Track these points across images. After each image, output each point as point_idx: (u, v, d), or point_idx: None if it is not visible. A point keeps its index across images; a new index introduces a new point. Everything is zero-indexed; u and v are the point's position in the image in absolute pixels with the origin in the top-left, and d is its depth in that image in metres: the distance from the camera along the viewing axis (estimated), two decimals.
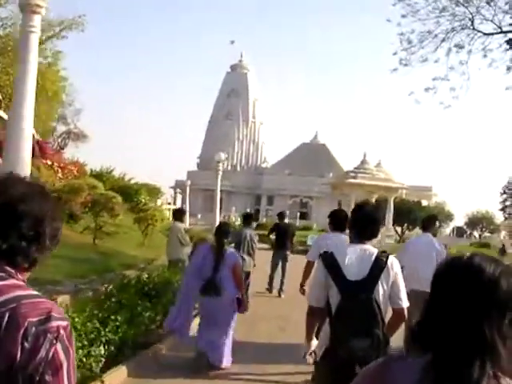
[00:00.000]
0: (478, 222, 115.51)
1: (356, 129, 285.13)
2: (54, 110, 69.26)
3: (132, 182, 46.82)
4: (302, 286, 11.43)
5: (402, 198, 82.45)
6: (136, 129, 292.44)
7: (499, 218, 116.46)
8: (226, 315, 9.94)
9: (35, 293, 2.32)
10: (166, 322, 10.55)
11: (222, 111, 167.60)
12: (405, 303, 5.70)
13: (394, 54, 22.78)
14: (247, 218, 18.19)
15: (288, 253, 20.94)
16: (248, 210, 67.52)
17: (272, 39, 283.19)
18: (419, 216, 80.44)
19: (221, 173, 24.50)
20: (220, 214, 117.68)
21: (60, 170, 31.09)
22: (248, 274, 16.26)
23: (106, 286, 11.60)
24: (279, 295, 20.42)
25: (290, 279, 21.78)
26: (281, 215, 22.40)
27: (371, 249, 5.74)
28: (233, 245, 14.54)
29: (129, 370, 9.39)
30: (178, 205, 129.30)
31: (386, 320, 5.62)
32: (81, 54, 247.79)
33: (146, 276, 12.66)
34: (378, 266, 5.56)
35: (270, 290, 20.89)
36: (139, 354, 10.07)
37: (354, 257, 5.62)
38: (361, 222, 6.00)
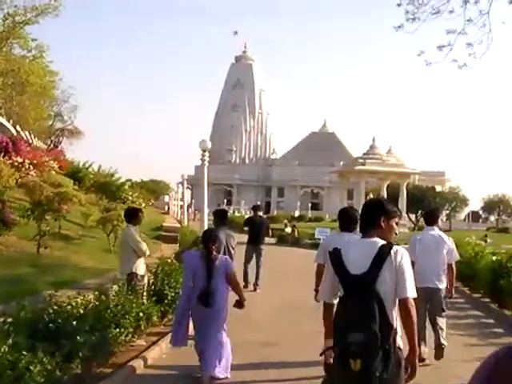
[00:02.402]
0: (494, 206, 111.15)
1: (365, 115, 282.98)
2: (44, 106, 67.25)
3: (123, 179, 43.32)
4: (316, 290, 9.95)
5: (414, 184, 79.63)
6: (139, 125, 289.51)
7: None
8: (216, 325, 9.52)
9: None
10: (172, 340, 10.05)
11: (228, 103, 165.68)
12: (410, 293, 5.38)
13: (399, 5, 18.93)
14: (220, 216, 14.00)
15: (262, 247, 20.85)
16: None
17: (274, 28, 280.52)
18: (434, 202, 78.13)
19: (206, 164, 21.62)
20: (229, 207, 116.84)
21: (32, 167, 28.53)
22: None
23: None
24: (255, 289, 19.81)
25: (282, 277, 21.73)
26: (255, 208, 22.46)
27: (377, 241, 5.51)
28: None
29: None
30: (188, 201, 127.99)
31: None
32: (74, 48, 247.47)
33: (53, 308, 8.88)
34: (380, 258, 5.36)
35: (245, 285, 19.64)
36: None
37: (359, 251, 5.50)
38: (361, 213, 5.95)
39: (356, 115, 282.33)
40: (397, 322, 5.36)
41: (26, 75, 49.12)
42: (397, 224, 5.83)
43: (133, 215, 13.03)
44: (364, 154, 55.45)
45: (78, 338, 8.22)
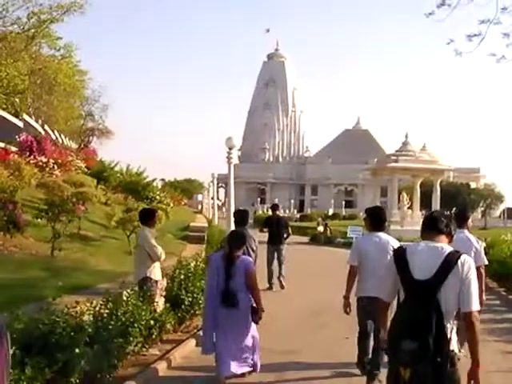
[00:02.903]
0: None
1: (399, 111, 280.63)
2: (75, 106, 67.09)
3: (151, 178, 42.66)
4: (346, 297, 9.80)
5: (448, 181, 78.36)
6: (174, 125, 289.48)
7: None
8: (242, 327, 9.35)
9: None
10: (204, 347, 9.63)
11: (261, 101, 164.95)
12: (475, 306, 5.18)
13: None
14: (240, 217, 13.10)
15: (282, 247, 20.49)
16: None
17: (306, 26, 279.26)
18: (468, 199, 76.80)
19: (233, 161, 21.22)
20: (263, 206, 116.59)
21: (57, 167, 28.16)
22: None
23: None
24: (281, 286, 19.72)
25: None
26: (273, 208, 22.02)
27: (444, 247, 5.39)
28: None
29: None
30: (222, 200, 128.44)
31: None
32: (103, 46, 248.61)
33: (50, 317, 7.87)
34: (447, 266, 5.19)
35: (270, 286, 19.72)
36: None
37: (425, 255, 5.34)
38: (425, 219, 5.77)
39: (390, 112, 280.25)
40: (453, 333, 5.21)
41: (54, 74, 48.85)
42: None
43: (148, 216, 12.22)
44: (397, 150, 54.06)
45: (77, 350, 7.56)
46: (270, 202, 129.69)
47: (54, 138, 45.66)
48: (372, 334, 9.53)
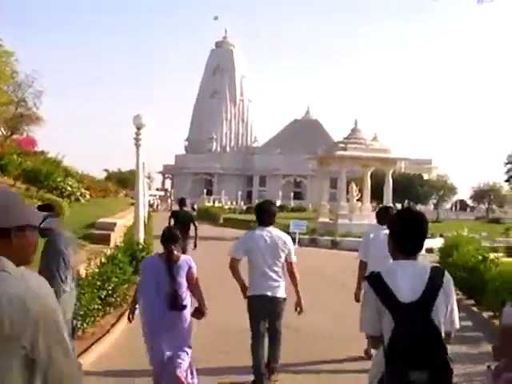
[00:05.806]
0: (484, 194, 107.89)
1: (350, 102, 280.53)
2: (4, 91, 62.74)
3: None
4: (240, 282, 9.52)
5: (400, 172, 75.87)
6: (117, 115, 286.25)
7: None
8: (184, 329, 8.57)
9: None
10: (153, 360, 8.44)
11: (208, 90, 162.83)
12: (457, 325, 4.85)
13: None
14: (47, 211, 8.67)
15: (186, 242, 19.04)
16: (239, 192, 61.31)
17: (255, 14, 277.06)
18: (422, 190, 74.20)
19: (141, 144, 18.15)
20: (210, 197, 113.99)
21: None
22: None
23: None
24: None
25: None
26: (181, 202, 21.34)
27: (426, 264, 4.92)
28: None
29: None
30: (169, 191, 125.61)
31: None
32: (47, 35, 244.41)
33: None
34: (434, 284, 4.65)
35: None
36: None
37: (406, 276, 4.72)
38: (404, 232, 4.87)
39: (340, 102, 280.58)
40: None
41: None
42: None
43: None
44: (345, 138, 50.53)
45: None
46: (217, 194, 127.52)
47: None
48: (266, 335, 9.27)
